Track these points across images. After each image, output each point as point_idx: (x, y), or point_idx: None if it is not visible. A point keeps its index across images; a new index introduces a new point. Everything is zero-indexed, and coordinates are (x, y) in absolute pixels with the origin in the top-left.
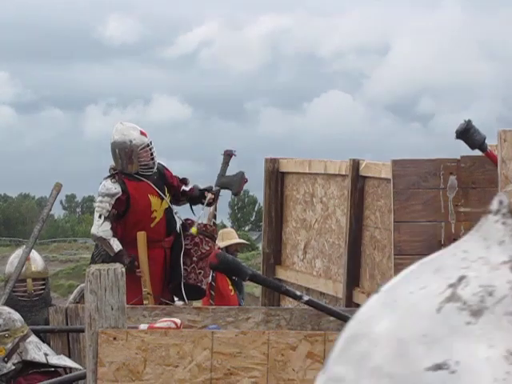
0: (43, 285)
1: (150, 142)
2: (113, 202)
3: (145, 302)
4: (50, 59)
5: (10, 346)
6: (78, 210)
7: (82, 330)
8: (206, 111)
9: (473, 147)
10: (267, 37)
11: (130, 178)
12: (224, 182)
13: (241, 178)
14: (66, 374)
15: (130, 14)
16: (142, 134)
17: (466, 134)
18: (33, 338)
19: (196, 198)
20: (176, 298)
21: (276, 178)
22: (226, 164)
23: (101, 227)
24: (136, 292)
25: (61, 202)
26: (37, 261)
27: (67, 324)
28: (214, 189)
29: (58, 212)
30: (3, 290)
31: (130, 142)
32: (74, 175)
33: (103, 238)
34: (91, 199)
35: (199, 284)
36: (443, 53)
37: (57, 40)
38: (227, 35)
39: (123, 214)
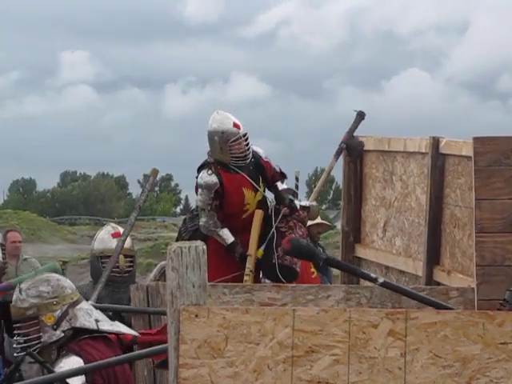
0: (131, 262)
1: (244, 134)
2: (212, 195)
3: (245, 279)
4: (130, 39)
5: (58, 313)
6: (156, 188)
7: (163, 313)
8: (285, 90)
9: None
10: (345, 15)
11: (225, 169)
12: (350, 143)
13: (362, 149)
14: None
15: None
16: (235, 125)
17: None
18: (83, 305)
19: (279, 199)
20: (266, 280)
21: (356, 155)
22: (356, 124)
23: (208, 219)
24: (229, 269)
25: (138, 181)
26: (126, 242)
27: (148, 301)
28: (340, 144)
29: (136, 191)
30: (88, 266)
31: (222, 133)
32: (152, 154)
33: (212, 229)
34: (169, 178)
35: (294, 266)
36: None
37: (136, 19)
38: (305, 14)
39: (220, 205)
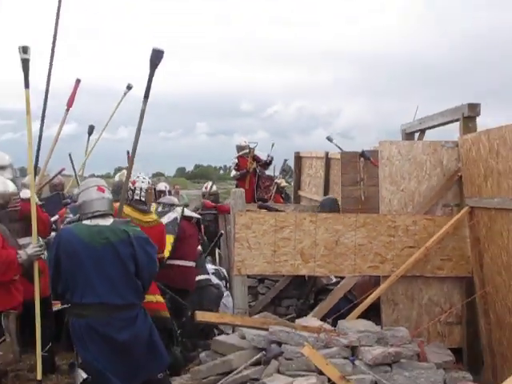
0: (216, 197)
1: (248, 145)
2: (235, 165)
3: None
4: (219, 116)
5: None
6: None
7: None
8: (276, 135)
9: (365, 159)
10: (296, 109)
11: (241, 156)
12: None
13: None
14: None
15: (248, 98)
16: (245, 142)
17: (363, 154)
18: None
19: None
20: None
21: (298, 158)
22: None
23: (235, 172)
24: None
25: (220, 168)
26: (213, 188)
27: None
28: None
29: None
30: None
31: (240, 144)
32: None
33: (236, 173)
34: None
35: (266, 197)
36: None
37: (221, 108)
38: (283, 110)
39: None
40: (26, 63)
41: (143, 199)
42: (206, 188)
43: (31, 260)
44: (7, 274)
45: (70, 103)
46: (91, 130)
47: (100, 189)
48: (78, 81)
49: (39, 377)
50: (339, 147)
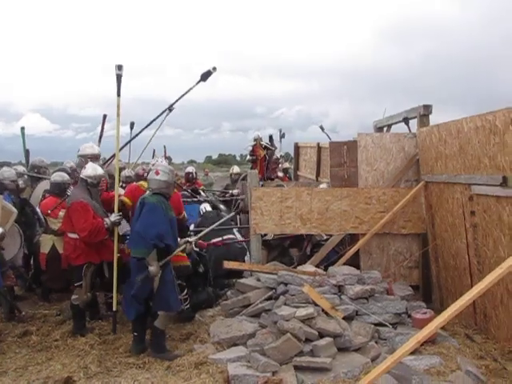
0: (238, 177)
1: (259, 136)
2: (250, 151)
3: None
4: (240, 117)
5: None
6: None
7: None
8: (278, 132)
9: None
10: (297, 112)
11: (254, 145)
12: None
13: None
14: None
15: (260, 103)
16: (258, 135)
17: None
18: None
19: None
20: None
21: (297, 147)
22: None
23: (248, 157)
24: None
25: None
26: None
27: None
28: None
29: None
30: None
31: (255, 137)
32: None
33: (249, 159)
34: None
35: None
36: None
37: (239, 111)
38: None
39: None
40: (119, 78)
41: None
42: (232, 170)
43: (114, 226)
44: (98, 236)
45: (101, 135)
46: (132, 125)
47: (156, 172)
48: (105, 116)
49: (114, 308)
50: (327, 135)
